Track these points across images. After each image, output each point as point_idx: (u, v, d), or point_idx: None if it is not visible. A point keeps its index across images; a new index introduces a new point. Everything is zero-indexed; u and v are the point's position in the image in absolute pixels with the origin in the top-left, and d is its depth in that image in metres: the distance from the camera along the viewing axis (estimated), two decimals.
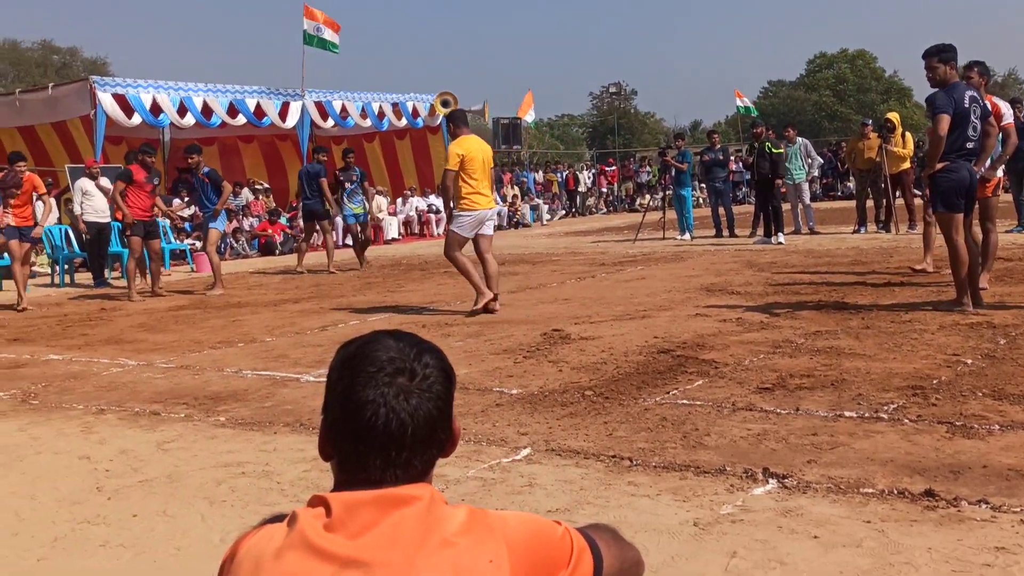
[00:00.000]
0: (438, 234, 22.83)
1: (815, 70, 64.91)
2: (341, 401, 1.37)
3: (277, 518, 1.41)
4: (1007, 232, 12.65)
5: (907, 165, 14.96)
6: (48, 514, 3.64)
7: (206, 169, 11.76)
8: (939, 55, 7.05)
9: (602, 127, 63.90)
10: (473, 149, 8.31)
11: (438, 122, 23.33)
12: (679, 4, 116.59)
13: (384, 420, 1.33)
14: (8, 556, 3.24)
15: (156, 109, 17.55)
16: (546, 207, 27.64)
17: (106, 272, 14.03)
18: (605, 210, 31.20)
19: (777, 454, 3.85)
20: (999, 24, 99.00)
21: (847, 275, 9.83)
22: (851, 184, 23.69)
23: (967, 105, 6.91)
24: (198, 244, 17.09)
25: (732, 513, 3.24)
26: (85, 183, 13.91)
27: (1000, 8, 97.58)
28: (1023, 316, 6.75)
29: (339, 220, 20.21)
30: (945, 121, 6.82)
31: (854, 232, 15.45)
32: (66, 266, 14.34)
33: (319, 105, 20.43)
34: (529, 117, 29.87)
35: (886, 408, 4.45)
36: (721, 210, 16.98)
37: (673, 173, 17.27)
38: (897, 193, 15.17)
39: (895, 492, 3.34)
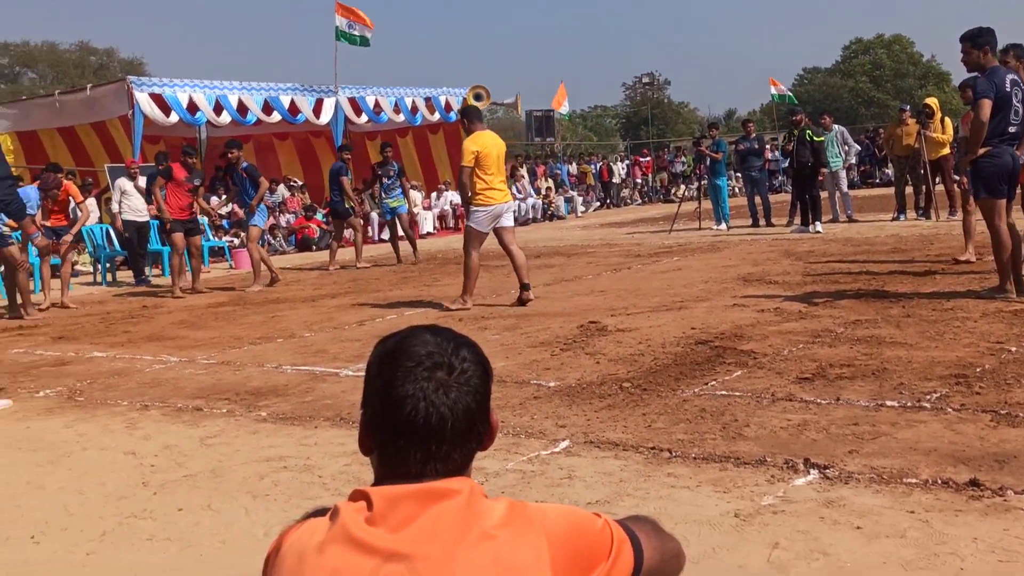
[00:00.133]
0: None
1: (851, 56, 64.09)
2: (381, 396, 1.38)
3: (319, 512, 1.43)
4: None
5: (946, 151, 14.72)
6: (96, 509, 3.71)
7: (245, 164, 11.91)
8: (972, 40, 6.93)
9: (635, 118, 63.55)
10: (488, 145, 8.39)
11: None
12: None
13: (424, 414, 1.35)
14: (58, 550, 3.30)
15: (193, 108, 17.72)
16: (580, 199, 27.56)
17: (146, 270, 14.21)
18: (640, 201, 31.06)
19: (818, 444, 3.82)
20: None
21: (887, 263, 9.72)
22: (889, 171, 23.40)
23: (1008, 89, 6.80)
24: (236, 241, 17.30)
25: (773, 504, 3.23)
26: (124, 183, 14.10)
27: None
28: None
29: (374, 215, 20.42)
30: (987, 106, 6.72)
31: (893, 219, 15.25)
32: (108, 264, 14.54)
33: (352, 101, 20.51)
34: (563, 109, 29.77)
35: (929, 397, 4.40)
36: (757, 199, 16.84)
37: (708, 163, 17.15)
38: (937, 179, 14.95)
39: (939, 482, 3.30)
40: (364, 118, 20.91)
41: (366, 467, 3.45)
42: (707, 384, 4.97)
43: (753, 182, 16.99)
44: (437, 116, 22.55)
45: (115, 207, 14.30)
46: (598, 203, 29.22)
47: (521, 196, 25.04)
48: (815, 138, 14.83)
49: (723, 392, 4.78)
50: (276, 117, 19.33)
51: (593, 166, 30.38)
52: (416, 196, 20.83)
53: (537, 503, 1.42)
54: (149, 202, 13.48)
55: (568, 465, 3.81)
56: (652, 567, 1.49)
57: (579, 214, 26.61)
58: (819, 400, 4.50)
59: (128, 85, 16.97)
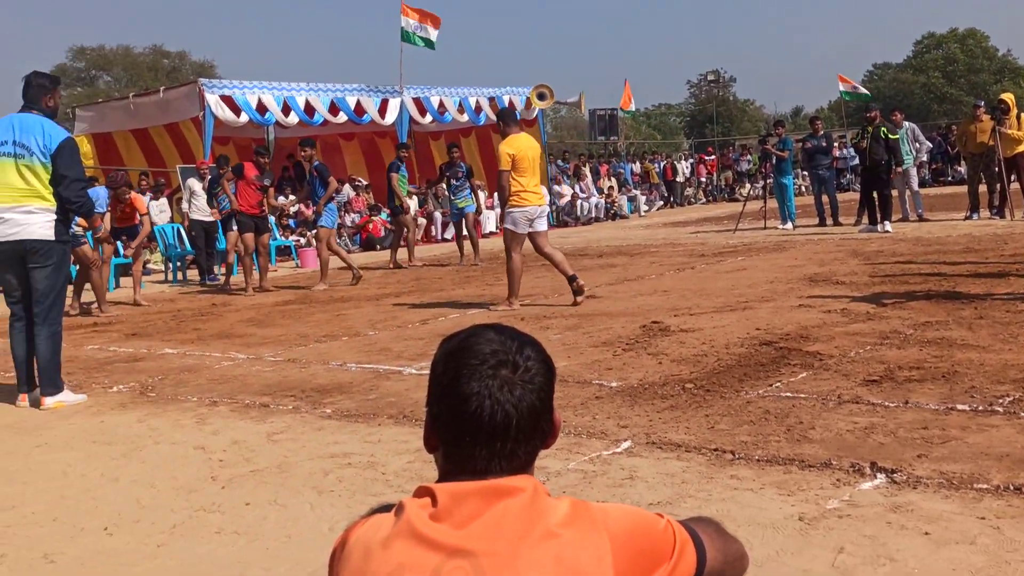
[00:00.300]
0: None
1: (923, 51, 62.69)
2: (446, 394, 1.40)
3: (385, 508, 1.45)
4: None
5: (1022, 148, 14.34)
6: (166, 502, 3.80)
7: (316, 163, 12.10)
8: None
9: (700, 116, 62.94)
10: (523, 148, 8.45)
11: (534, 115, 23.35)
12: None
13: (489, 412, 1.36)
14: (130, 542, 3.40)
15: (262, 109, 18.03)
16: (643, 198, 27.41)
17: (215, 269, 14.50)
18: (704, 200, 30.78)
19: (885, 448, 3.75)
20: None
21: (959, 264, 9.50)
22: (962, 169, 22.86)
23: None
24: (303, 240, 17.57)
25: (839, 508, 3.18)
26: (193, 183, 14.40)
27: None
28: None
29: (438, 215, 20.55)
30: None
31: (966, 219, 14.89)
32: (179, 263, 14.87)
33: (417, 101, 20.67)
34: (630, 108, 29.72)
35: (1001, 401, 4.29)
36: (825, 198, 16.56)
37: (774, 161, 16.92)
38: (1012, 177, 14.56)
39: (1011, 488, 3.22)
40: (428, 118, 21.05)
41: (429, 464, 3.48)
42: (771, 386, 4.91)
43: (820, 180, 16.72)
44: None
45: (185, 206, 14.63)
46: (661, 202, 29.02)
47: (585, 195, 25.00)
48: (890, 135, 14.36)
49: (788, 394, 4.72)
50: (342, 117, 19.57)
51: (657, 165, 30.18)
52: (480, 196, 20.92)
53: (599, 503, 1.43)
54: (211, 203, 13.76)
55: (630, 466, 3.80)
56: (715, 569, 1.48)
57: (642, 213, 26.46)
58: (887, 403, 4.42)
59: (199, 87, 17.33)
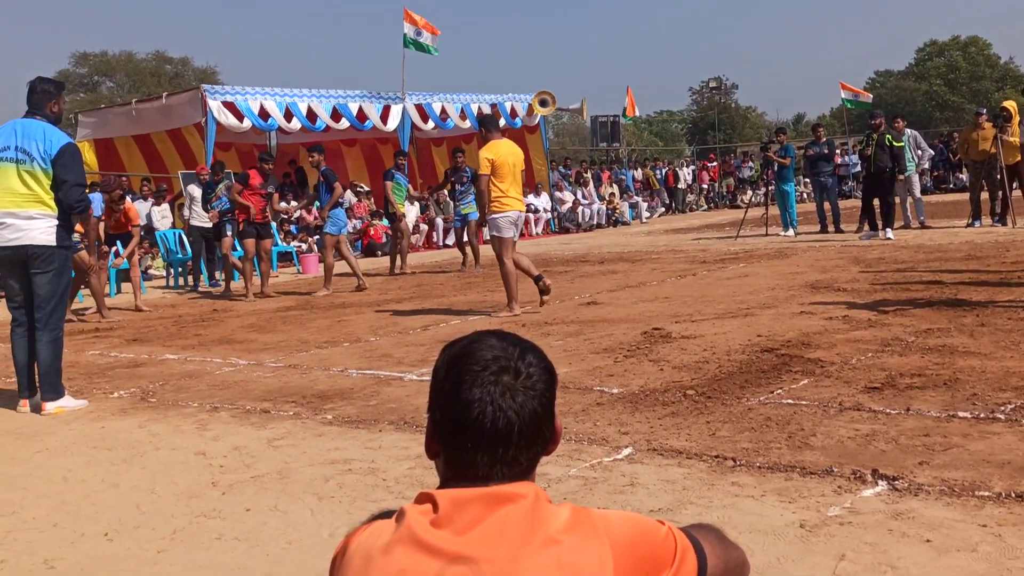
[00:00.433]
0: (537, 233, 22.91)
1: (925, 59, 62.79)
2: (448, 400, 1.40)
3: (385, 514, 1.45)
4: None
5: None
6: (167, 507, 3.80)
7: (323, 168, 12.13)
8: None
9: (702, 122, 63.04)
10: (503, 154, 8.50)
11: (536, 121, 23.39)
12: None
13: (492, 418, 1.36)
14: (131, 547, 3.39)
15: (264, 115, 18.06)
16: (645, 205, 27.42)
17: (217, 275, 14.50)
18: (705, 207, 30.80)
19: (887, 455, 3.75)
20: None
21: (960, 271, 9.49)
22: (964, 176, 22.86)
23: None
24: (304, 246, 17.59)
25: (840, 515, 3.18)
26: (194, 189, 14.41)
27: None
28: None
29: (439, 221, 20.57)
30: None
31: (968, 226, 14.89)
32: (180, 269, 14.88)
33: (419, 107, 20.70)
34: (636, 114, 29.86)
35: (1003, 408, 4.29)
36: (827, 205, 16.56)
37: (775, 168, 16.93)
38: (1014, 184, 14.56)
39: (1012, 495, 3.22)
40: (431, 124, 21.09)
41: (430, 471, 3.48)
42: (773, 392, 4.91)
43: (822, 188, 16.71)
44: (503, 122, 22.63)
45: (186, 212, 14.64)
46: (663, 209, 29.03)
47: (587, 201, 25.02)
48: (894, 143, 14.30)
49: (789, 401, 4.71)
50: (344, 124, 19.59)
51: (659, 171, 30.20)
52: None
53: (600, 509, 1.43)
54: (205, 208, 13.71)
55: (631, 472, 3.79)
56: (716, 575, 1.48)
57: (644, 220, 26.48)
58: (888, 410, 4.41)
59: (202, 93, 17.36)
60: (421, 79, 39.96)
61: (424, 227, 20.76)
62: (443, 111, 21.18)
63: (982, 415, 4.21)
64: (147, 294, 13.14)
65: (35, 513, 3.85)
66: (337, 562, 1.42)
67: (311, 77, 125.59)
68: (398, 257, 14.42)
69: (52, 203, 5.82)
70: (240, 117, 17.58)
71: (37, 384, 5.90)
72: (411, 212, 18.98)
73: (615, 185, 26.90)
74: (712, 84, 64.95)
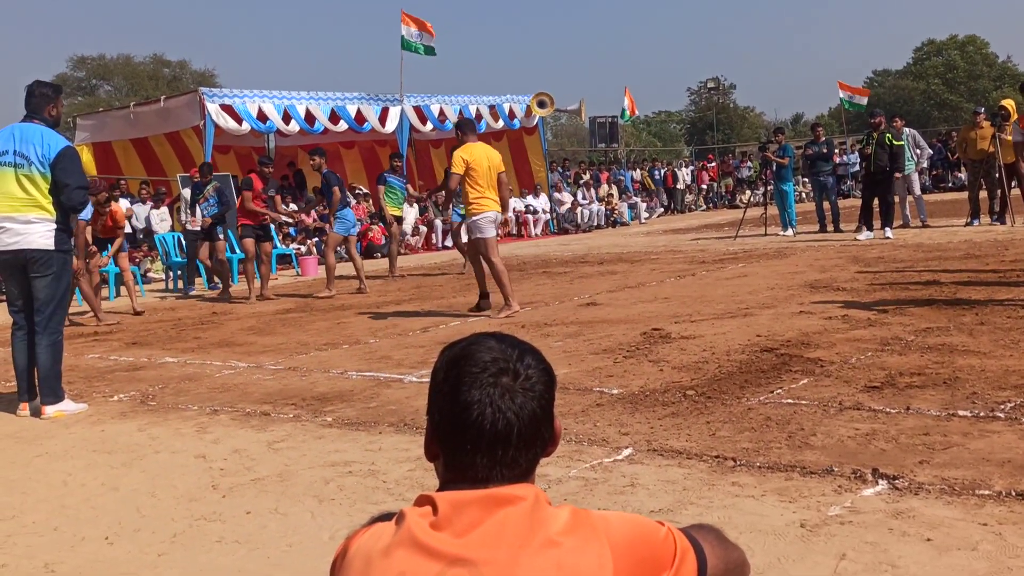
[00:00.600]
0: (536, 234, 22.92)
1: (923, 58, 62.85)
2: (447, 402, 1.40)
3: (385, 516, 1.45)
4: None
5: None
6: (167, 511, 3.80)
7: (325, 171, 12.14)
8: None
9: (701, 123, 63.09)
10: (478, 157, 8.58)
11: (534, 123, 23.41)
12: None
13: (491, 419, 1.36)
14: (132, 551, 3.39)
15: (262, 117, 18.07)
16: (644, 205, 27.43)
17: (215, 278, 14.49)
18: (704, 207, 30.81)
19: (887, 454, 3.75)
20: None
21: (959, 270, 9.50)
22: (962, 175, 22.89)
23: None
24: (303, 248, 17.58)
25: (840, 515, 3.18)
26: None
27: None
28: None
29: (438, 223, 20.56)
30: None
31: (966, 225, 14.90)
32: (179, 272, 14.87)
33: (417, 109, 20.71)
34: (636, 114, 29.92)
35: (1003, 407, 4.29)
36: (826, 205, 16.57)
37: (774, 168, 16.94)
38: (1013, 183, 14.56)
39: (1013, 494, 3.22)
40: (429, 126, 21.11)
41: (430, 473, 3.48)
42: (773, 392, 4.91)
43: (822, 187, 16.72)
44: (501, 123, 22.67)
45: (182, 216, 14.62)
46: (662, 209, 29.05)
47: (587, 202, 25.03)
48: (894, 142, 14.28)
49: (789, 400, 4.71)
50: (343, 126, 19.61)
51: (657, 172, 30.20)
52: None
53: (600, 511, 1.43)
54: (192, 212, 13.54)
55: (631, 473, 3.79)
56: None
57: (643, 220, 26.49)
58: (888, 409, 4.41)
59: (200, 96, 17.36)
60: (419, 81, 40.00)
61: (423, 229, 20.76)
62: (441, 113, 21.19)
63: (982, 414, 4.21)
64: (146, 297, 13.16)
65: (35, 517, 3.85)
66: (337, 564, 1.42)
67: (309, 79, 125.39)
68: (382, 261, 14.41)
69: (51, 207, 5.81)
70: (238, 120, 17.60)
71: (37, 388, 5.90)
72: (410, 214, 18.97)
73: (614, 186, 26.91)
74: (710, 84, 64.99)
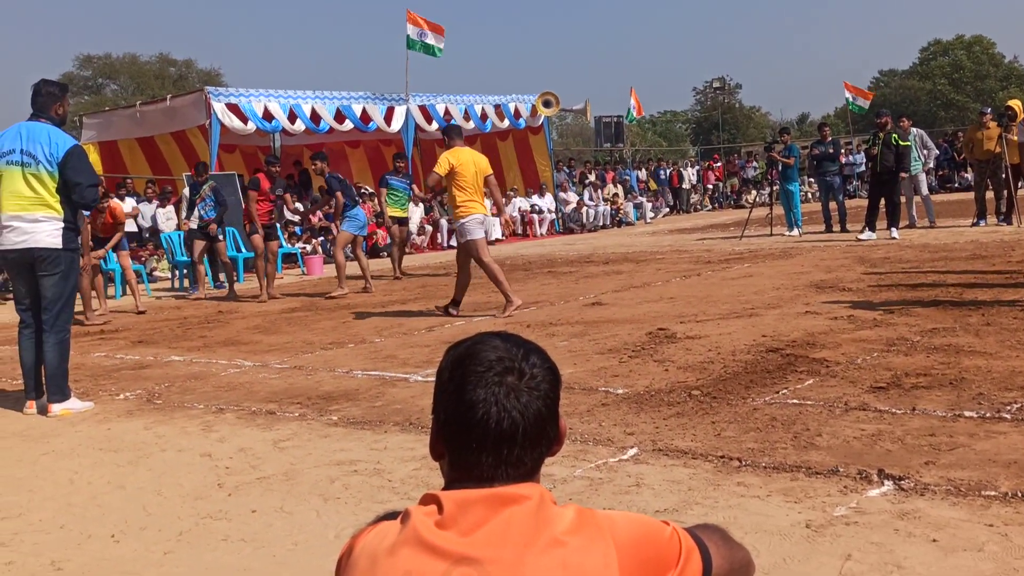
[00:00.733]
0: (541, 234, 22.91)
1: (929, 58, 62.71)
2: (453, 401, 1.40)
3: (390, 515, 1.45)
4: None
5: None
6: (173, 509, 3.80)
7: (327, 176, 12.16)
8: None
9: (706, 123, 63.04)
10: (465, 161, 8.61)
11: (540, 122, 23.40)
12: None
13: (496, 419, 1.36)
14: (138, 549, 3.40)
15: (268, 116, 18.10)
16: (649, 205, 27.42)
17: (221, 276, 14.49)
18: (710, 207, 30.78)
19: (893, 455, 3.74)
20: None
21: (966, 271, 9.48)
22: (968, 175, 22.84)
23: None
24: (308, 247, 17.60)
25: (846, 515, 3.17)
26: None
27: None
28: None
29: (444, 222, 20.56)
30: None
31: (973, 225, 14.86)
32: (185, 271, 14.88)
33: (423, 109, 20.72)
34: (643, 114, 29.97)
35: (1009, 408, 4.28)
36: (833, 205, 16.53)
37: (780, 168, 16.91)
38: (1019, 184, 14.52)
39: (1019, 495, 3.21)
40: (434, 126, 21.11)
41: (435, 472, 3.48)
42: (778, 393, 4.90)
43: (828, 187, 16.70)
44: (507, 123, 22.68)
45: (184, 215, 14.62)
46: (667, 209, 29.03)
47: (593, 203, 25.02)
48: (901, 142, 14.21)
49: (794, 401, 4.71)
50: (348, 125, 19.62)
51: (663, 172, 30.17)
52: (486, 203, 20.92)
53: (605, 510, 1.43)
54: (189, 214, 13.31)
55: (636, 473, 3.79)
56: None
57: (648, 220, 26.47)
58: (894, 410, 4.41)
59: (206, 95, 17.38)
60: (424, 80, 40.06)
61: (428, 228, 20.77)
62: (447, 112, 21.19)
63: (988, 415, 4.20)
64: (151, 296, 13.18)
65: (42, 515, 3.86)
66: (343, 563, 1.42)
67: (315, 79, 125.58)
68: (400, 260, 14.41)
69: (58, 206, 5.83)
70: (244, 119, 17.62)
71: (44, 386, 5.92)
72: (415, 214, 18.97)
73: (619, 185, 26.90)
74: (716, 84, 64.93)
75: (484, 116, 22.08)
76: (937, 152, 21.87)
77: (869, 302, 7.75)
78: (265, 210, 12.05)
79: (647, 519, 1.44)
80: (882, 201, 14.33)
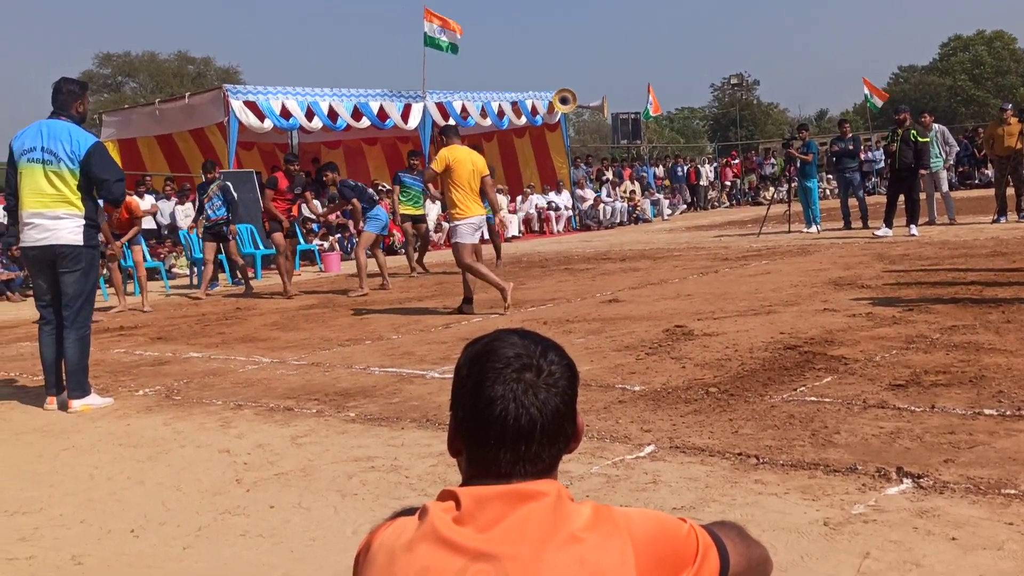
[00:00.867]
0: (558, 231, 22.90)
1: (949, 53, 62.26)
2: (471, 398, 1.40)
3: (408, 511, 1.46)
4: None
5: None
6: (192, 504, 3.83)
7: (339, 183, 12.20)
8: None
9: (724, 119, 62.81)
10: (461, 160, 8.61)
11: (557, 119, 23.38)
12: None
13: (514, 415, 1.37)
14: (157, 544, 3.42)
15: (286, 114, 18.15)
16: (667, 202, 27.35)
17: (238, 273, 14.55)
18: (728, 204, 30.68)
19: (911, 453, 3.72)
20: None
21: (986, 268, 9.41)
22: (989, 172, 22.65)
23: None
24: (326, 245, 17.66)
25: (864, 513, 3.16)
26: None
27: None
28: None
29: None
30: None
31: (993, 222, 14.75)
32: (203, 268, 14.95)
33: (440, 106, 20.73)
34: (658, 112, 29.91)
35: None
36: (853, 201, 16.44)
37: (798, 164, 16.83)
38: None
39: None
40: (451, 123, 21.12)
41: (452, 468, 3.49)
42: (796, 390, 4.88)
43: (847, 183, 16.61)
44: (523, 120, 22.67)
45: (194, 216, 14.70)
46: (685, 206, 28.94)
47: (611, 200, 24.98)
48: (920, 139, 14.06)
49: (812, 398, 4.69)
50: (365, 123, 19.66)
51: (680, 168, 30.09)
52: (502, 200, 20.95)
53: (622, 507, 1.43)
54: (199, 215, 13.29)
55: (653, 470, 3.79)
56: (738, 573, 1.48)
57: (666, 217, 26.41)
58: (913, 408, 4.38)
59: (224, 93, 17.46)
60: (441, 77, 40.12)
61: (445, 225, 20.76)
62: (463, 109, 21.21)
63: (1008, 412, 4.17)
64: (170, 292, 13.25)
65: (62, 510, 3.89)
66: (360, 559, 1.42)
67: (332, 76, 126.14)
68: (414, 257, 14.46)
69: (79, 203, 5.87)
70: (262, 116, 17.69)
71: (64, 382, 5.96)
72: (432, 211, 18.97)
73: (636, 182, 26.84)
74: (733, 80, 64.70)
75: (501, 113, 22.07)
76: (957, 148, 21.71)
77: (888, 299, 7.70)
78: (282, 209, 12.08)
79: (664, 516, 1.44)
80: (901, 198, 14.24)
